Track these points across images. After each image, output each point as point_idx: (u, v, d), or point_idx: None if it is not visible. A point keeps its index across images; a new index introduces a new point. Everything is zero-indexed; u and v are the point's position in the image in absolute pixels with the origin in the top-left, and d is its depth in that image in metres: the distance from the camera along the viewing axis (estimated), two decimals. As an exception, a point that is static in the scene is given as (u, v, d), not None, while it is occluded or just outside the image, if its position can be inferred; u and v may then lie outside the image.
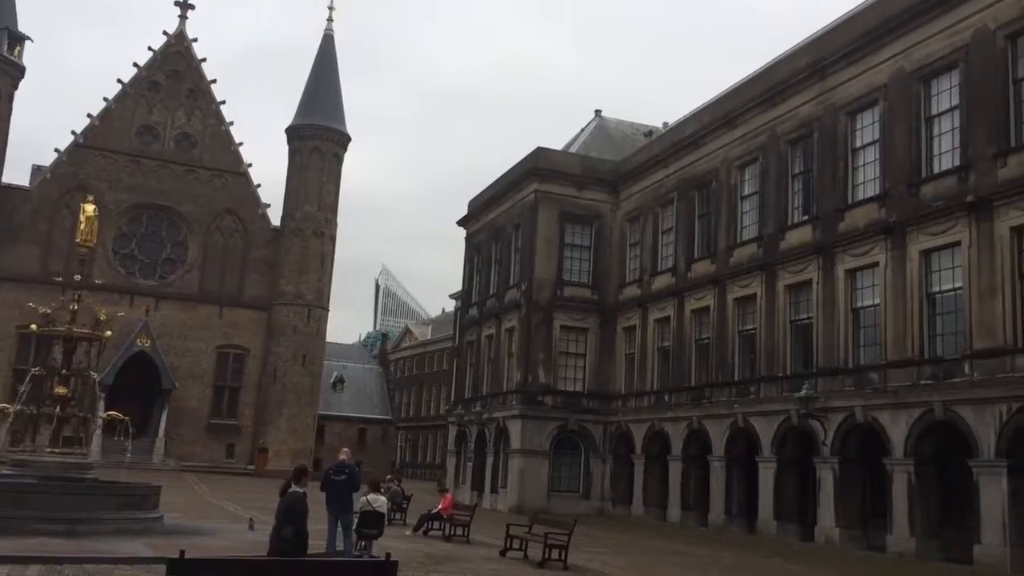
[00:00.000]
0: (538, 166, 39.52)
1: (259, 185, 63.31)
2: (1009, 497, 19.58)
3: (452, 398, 50.04)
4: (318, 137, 62.24)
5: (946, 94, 23.09)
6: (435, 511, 22.94)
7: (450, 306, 74.70)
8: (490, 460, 40.20)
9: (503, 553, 18.55)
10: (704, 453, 30.87)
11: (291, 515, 9.99)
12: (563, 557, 17.14)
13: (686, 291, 33.21)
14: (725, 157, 32.02)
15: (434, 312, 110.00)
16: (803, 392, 24.51)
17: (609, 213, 39.65)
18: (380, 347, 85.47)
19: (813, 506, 25.91)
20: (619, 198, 39.46)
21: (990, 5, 21.63)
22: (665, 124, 44.91)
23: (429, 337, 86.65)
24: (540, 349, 37.74)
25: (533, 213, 39.15)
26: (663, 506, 33.13)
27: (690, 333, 32.85)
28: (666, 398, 33.74)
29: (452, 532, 21.99)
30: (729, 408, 29.52)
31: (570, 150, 43.05)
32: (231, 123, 62.89)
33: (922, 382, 22.16)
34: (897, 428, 22.64)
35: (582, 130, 46.55)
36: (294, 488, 10.35)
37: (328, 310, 63.06)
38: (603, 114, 46.96)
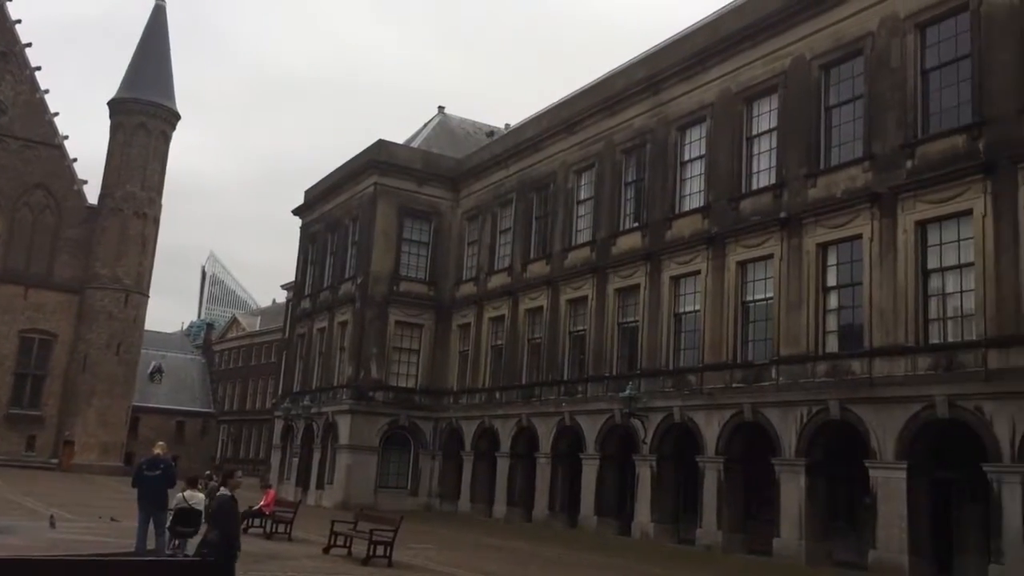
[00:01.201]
0: (379, 159, 39.07)
1: (75, 160, 59.09)
2: (806, 493, 21.18)
3: (280, 392, 48.62)
4: (144, 113, 58.85)
5: (766, 116, 24.69)
6: (256, 508, 22.19)
7: (281, 297, 72.55)
8: (317, 456, 39.37)
9: (326, 550, 18.20)
10: (532, 450, 31.54)
11: (217, 519, 9.68)
12: (388, 554, 17.01)
13: (521, 291, 33.80)
14: (564, 161, 32.84)
15: (264, 303, 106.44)
16: (627, 392, 25.52)
17: (449, 210, 39.76)
18: (204, 337, 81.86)
19: (631, 502, 27.05)
20: (459, 195, 39.64)
21: (806, 36, 23.32)
22: (507, 125, 45.54)
23: (258, 328, 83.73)
24: (374, 344, 37.32)
25: (372, 206, 38.67)
26: (490, 502, 33.59)
27: (523, 332, 33.47)
28: (498, 396, 34.21)
29: (274, 529, 21.37)
30: (557, 406, 30.30)
31: (412, 145, 42.84)
32: (46, 91, 58.33)
33: (734, 385, 23.59)
34: (710, 428, 23.99)
35: (425, 125, 46.43)
36: (222, 491, 10.03)
37: (148, 296, 59.78)
38: (446, 111, 47.05)
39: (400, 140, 43.24)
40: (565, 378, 30.71)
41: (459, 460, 35.99)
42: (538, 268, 33.38)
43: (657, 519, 25.64)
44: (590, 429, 28.57)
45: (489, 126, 46.62)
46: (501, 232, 36.56)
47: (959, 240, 19.03)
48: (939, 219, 19.42)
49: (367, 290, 37.69)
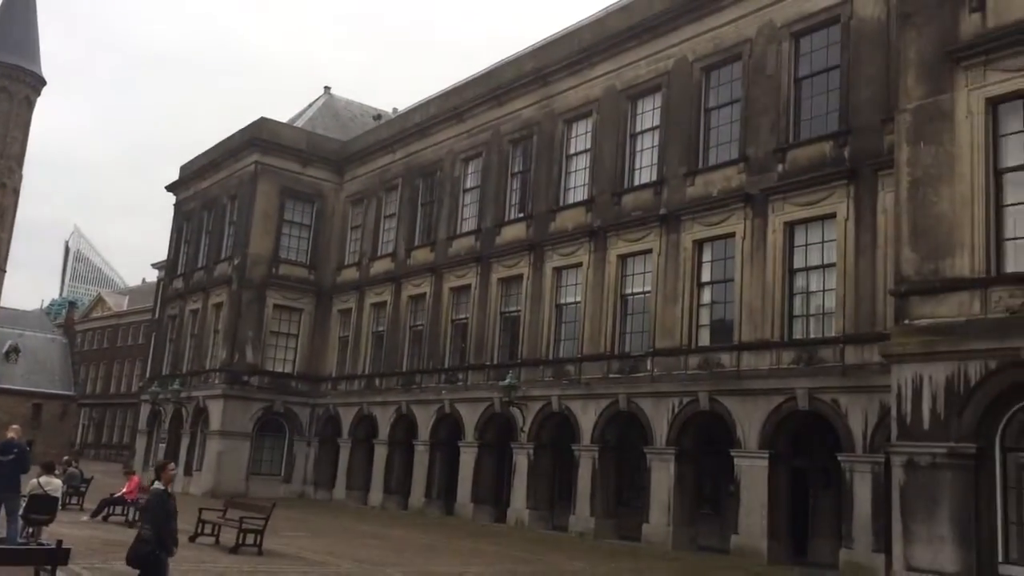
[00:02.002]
0: (260, 137, 37.94)
1: (-75, 122, 54.76)
2: (675, 481, 21.94)
3: (148, 374, 46.64)
4: (7, 76, 55.16)
5: (649, 114, 25.32)
6: (118, 495, 21.25)
7: (152, 276, 69.50)
8: (186, 441, 38.02)
9: (192, 539, 17.61)
10: (410, 438, 31.41)
11: (148, 513, 9.39)
12: (258, 542, 16.62)
13: (404, 277, 33.55)
14: (451, 149, 32.75)
15: (133, 282, 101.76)
16: (507, 381, 25.75)
17: (332, 193, 39.03)
18: (66, 316, 77.50)
19: (508, 489, 27.34)
20: (344, 179, 38.97)
21: (689, 39, 24.04)
22: (395, 110, 45.02)
23: (125, 308, 79.97)
24: (250, 327, 36.29)
25: (252, 185, 37.53)
26: (366, 489, 33.29)
27: (405, 319, 33.25)
28: (377, 382, 33.89)
29: (136, 518, 20.49)
30: (438, 394, 30.27)
31: (296, 125, 41.75)
32: None
33: (611, 376, 24.16)
34: (587, 417, 24.50)
35: (309, 105, 45.33)
36: (155, 485, 9.59)
37: (4, 271, 56.12)
38: (332, 92, 46.08)
39: (284, 119, 42.04)
40: (446, 366, 30.70)
41: (335, 447, 35.49)
42: (422, 255, 33.20)
43: (532, 506, 26.02)
44: (470, 417, 28.69)
45: (376, 109, 45.97)
46: (386, 217, 36.16)
47: (823, 241, 20.07)
48: (806, 221, 20.42)
49: (244, 272, 36.59)
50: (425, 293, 32.39)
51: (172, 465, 9.82)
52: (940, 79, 15.07)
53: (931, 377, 14.26)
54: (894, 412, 14.84)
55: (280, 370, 36.98)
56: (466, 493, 28.44)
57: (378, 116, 44.18)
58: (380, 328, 34.69)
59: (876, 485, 17.73)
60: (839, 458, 18.70)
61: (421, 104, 36.78)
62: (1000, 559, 13.27)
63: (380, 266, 35.47)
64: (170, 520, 9.26)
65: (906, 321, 14.93)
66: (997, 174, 14.27)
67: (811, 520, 21.58)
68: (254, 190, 37.37)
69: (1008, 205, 14.15)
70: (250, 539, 16.74)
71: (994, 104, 14.41)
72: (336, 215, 38.88)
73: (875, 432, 17.89)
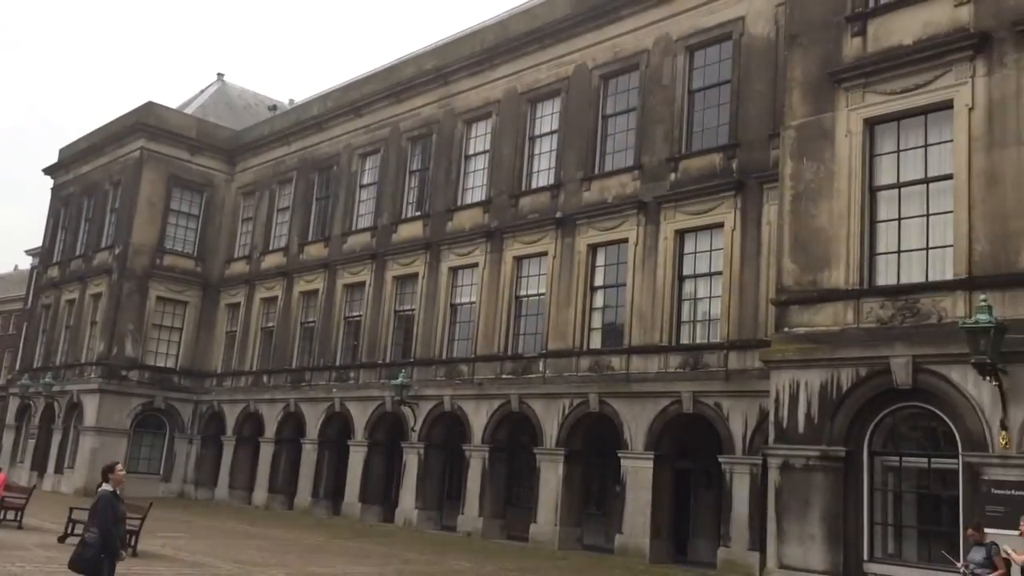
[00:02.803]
0: (147, 122, 36.48)
1: None
2: (563, 481, 22.24)
3: (18, 367, 44.13)
4: None
5: (548, 118, 25.60)
6: (-18, 494, 19.99)
7: (24, 263, 65.79)
8: (57, 437, 36.18)
9: (62, 539, 16.76)
10: (298, 436, 30.78)
11: (94, 516, 8.99)
12: (133, 543, 15.94)
13: (296, 272, 32.86)
14: (348, 144, 32.27)
15: (3, 268, 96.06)
16: (399, 380, 25.55)
17: (223, 183, 37.88)
18: (-73, 303, 72.45)
19: (397, 489, 27.14)
20: (235, 169, 37.88)
21: (589, 46, 24.42)
22: (291, 101, 44.09)
23: (-5, 296, 75.35)
24: (130, 320, 34.83)
25: (137, 172, 36.05)
26: (250, 489, 32.44)
27: (297, 315, 32.56)
28: (265, 379, 33.07)
29: (2, 517, 19.41)
30: (328, 392, 29.77)
31: (186, 111, 40.30)
32: None
33: (504, 376, 24.29)
34: (479, 417, 24.56)
35: (201, 92, 43.88)
36: (103, 487, 9.15)
37: None
38: (226, 79, 44.72)
39: (174, 105, 40.54)
40: (338, 364, 30.23)
41: (219, 445, 34.44)
42: (316, 250, 32.59)
43: (421, 506, 25.90)
44: (360, 416, 28.34)
45: (272, 99, 44.88)
46: (279, 211, 35.32)
47: (711, 250, 20.73)
48: (695, 229, 21.05)
49: (126, 262, 35.10)
50: (318, 289, 31.80)
51: (120, 466, 9.49)
52: (823, 99, 15.80)
53: (807, 383, 14.93)
54: (772, 416, 15.46)
55: (162, 365, 35.62)
56: (354, 493, 28.08)
57: (274, 107, 43.14)
58: (270, 324, 33.87)
59: (754, 486, 18.42)
60: (720, 460, 19.35)
61: (319, 96, 36.11)
62: (866, 557, 14.01)
63: (271, 260, 34.63)
64: (118, 523, 9.08)
65: (785, 329, 15.59)
66: (872, 191, 15.07)
67: (692, 520, 22.28)
68: (139, 177, 35.91)
69: (880, 221, 14.96)
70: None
71: (871, 125, 15.22)
72: (226, 206, 37.74)
73: (754, 435, 18.59)
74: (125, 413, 34.17)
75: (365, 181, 31.62)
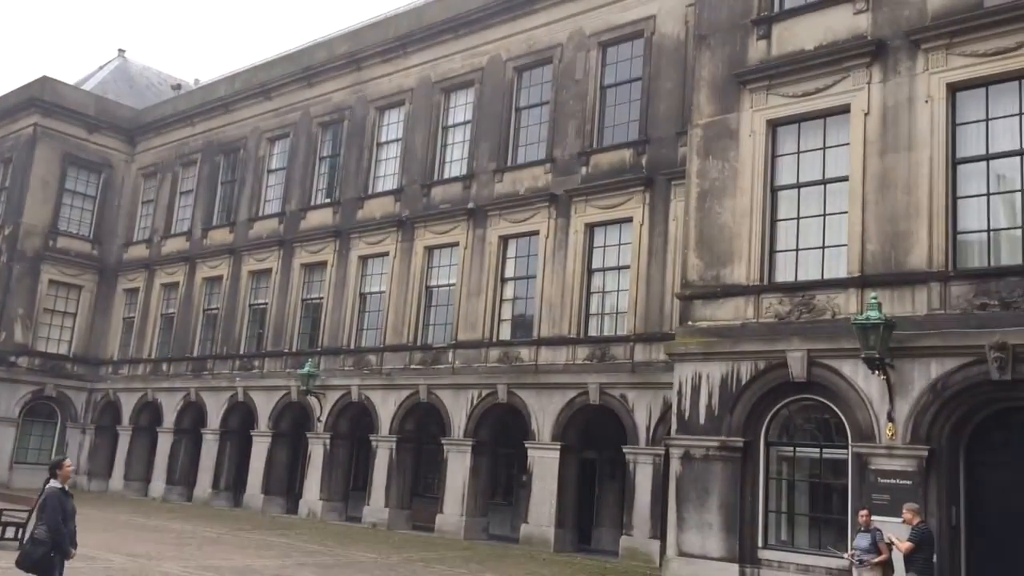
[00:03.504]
0: (41, 97, 34.76)
1: None
2: (470, 472, 22.30)
3: None
4: None
5: (462, 108, 25.52)
6: None
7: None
8: (-62, 428, 34.21)
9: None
10: (198, 426, 29.96)
11: (44, 513, 8.72)
12: (20, 536, 15.23)
13: (200, 258, 31.92)
14: (256, 127, 31.48)
15: None
16: (306, 369, 25.13)
17: (123, 164, 36.45)
18: None
19: (301, 480, 26.73)
20: (136, 149, 36.51)
21: (504, 38, 24.44)
22: (197, 81, 42.70)
23: None
24: (20, 304, 33.23)
25: (30, 149, 34.36)
26: (147, 480, 31.45)
27: (199, 302, 31.64)
28: (164, 367, 32.05)
29: None
30: (231, 381, 29.07)
31: (84, 88, 38.58)
32: None
33: (413, 366, 24.18)
34: (386, 407, 24.39)
35: (100, 68, 42.09)
36: (51, 483, 8.83)
37: None
38: (128, 55, 43.00)
39: (71, 81, 38.74)
40: (242, 352, 29.53)
41: (114, 435, 33.23)
42: (220, 235, 31.71)
43: (326, 497, 25.59)
44: (264, 405, 27.76)
45: (176, 78, 43.36)
46: (182, 194, 34.21)
47: (620, 244, 21.05)
48: (605, 223, 21.34)
49: (16, 243, 33.44)
50: (222, 276, 30.96)
51: (69, 462, 9.15)
52: (729, 99, 16.22)
53: (708, 375, 15.35)
54: (675, 408, 15.85)
55: (54, 351, 34.12)
56: (256, 484, 27.51)
57: (178, 86, 41.70)
58: (170, 310, 32.81)
59: (656, 476, 18.85)
60: (624, 450, 19.71)
61: (226, 77, 35.08)
62: (760, 544, 14.51)
63: (173, 245, 33.54)
64: (68, 520, 8.78)
65: (689, 323, 15.98)
66: (773, 190, 15.57)
67: (597, 509, 22.65)
68: (32, 155, 34.22)
69: (781, 220, 15.47)
70: (11, 533, 15.38)
71: (774, 126, 15.71)
72: (126, 188, 36.35)
73: (658, 426, 19.01)
74: (13, 401, 32.62)
75: (273, 166, 30.91)
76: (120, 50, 42.70)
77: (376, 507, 24.10)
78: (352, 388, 25.27)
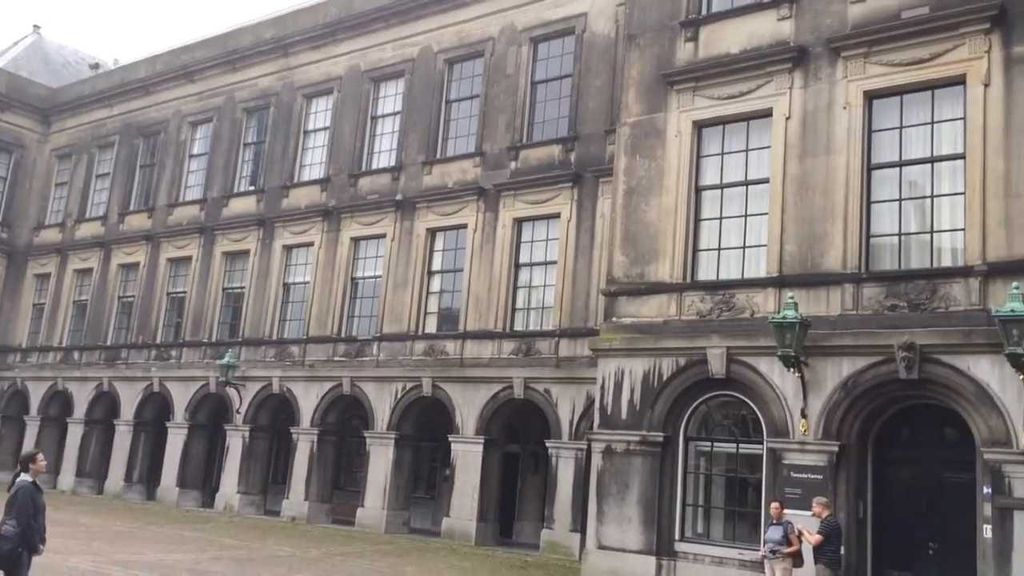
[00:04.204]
0: (-52, 71, 33.12)
1: None
2: (393, 465, 22.15)
3: None
4: None
5: (392, 99, 25.27)
6: None
7: None
8: None
9: None
10: (111, 417, 29.04)
11: (13, 508, 8.44)
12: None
13: (115, 243, 30.89)
14: (178, 110, 30.61)
15: None
16: (225, 359, 24.58)
17: (35, 144, 35.02)
18: None
19: (218, 473, 26.16)
20: (50, 130, 35.11)
21: (435, 29, 24.27)
22: (116, 61, 41.26)
23: None
24: (-80, 287, 31.64)
25: (-67, 125, 32.66)
26: (56, 472, 30.24)
27: (114, 289, 30.64)
28: (76, 356, 30.95)
29: None
30: (146, 371, 28.25)
31: (-5, 62, 36.89)
32: None
33: (336, 358, 23.88)
34: (308, 399, 24.03)
35: (14, 44, 40.29)
36: (22, 477, 8.56)
37: None
38: (43, 32, 41.27)
39: (-21, 54, 37.01)
40: (158, 341, 28.71)
41: (21, 425, 31.92)
42: (138, 221, 30.75)
43: (244, 491, 25.10)
44: (181, 396, 27.06)
45: (94, 57, 41.79)
46: (98, 177, 33.04)
47: (547, 239, 21.15)
48: (533, 219, 21.41)
49: (-82, 223, 31.84)
50: (139, 262, 30.03)
51: (41, 456, 8.84)
52: (656, 99, 16.45)
53: (631, 371, 15.55)
54: (598, 402, 16.01)
55: (-43, 338, 32.61)
56: (171, 477, 26.82)
57: (96, 65, 40.16)
58: (83, 297, 31.68)
59: (578, 470, 19.03)
60: (547, 444, 19.85)
61: (147, 58, 33.93)
62: (677, 537, 14.79)
63: (88, 229, 32.37)
64: (39, 515, 8.53)
65: (613, 319, 16.16)
66: (697, 191, 15.85)
67: (519, 503, 22.74)
68: (-64, 131, 32.60)
69: (704, 219, 15.77)
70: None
71: (699, 127, 15.99)
72: (38, 169, 34.93)
73: (580, 420, 19.19)
74: (-89, 390, 31.07)
75: (195, 151, 30.11)
76: (35, 26, 40.93)
77: (296, 501, 23.74)
78: (273, 380, 24.82)
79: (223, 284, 27.64)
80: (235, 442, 25.47)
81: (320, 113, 26.88)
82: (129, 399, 28.51)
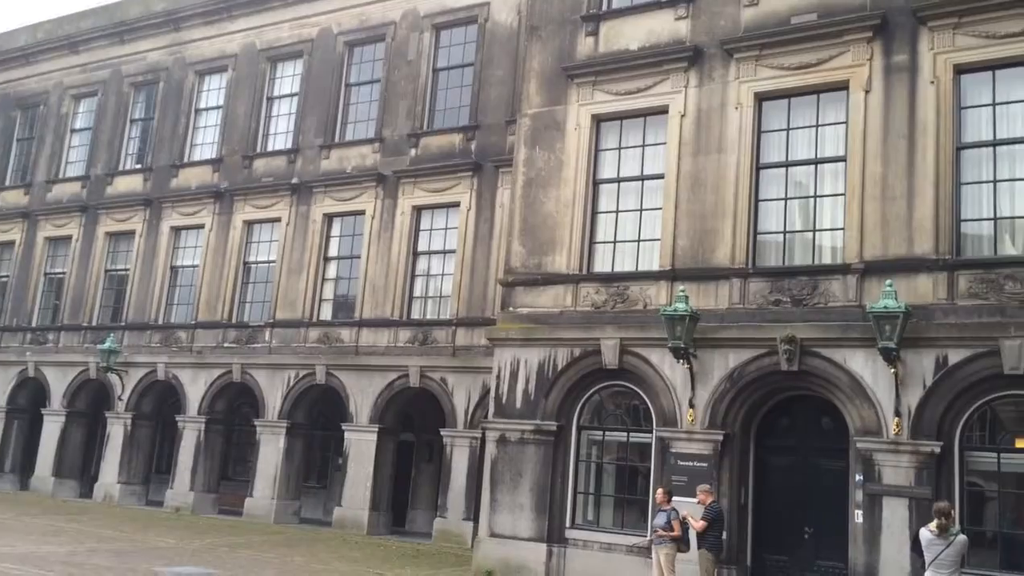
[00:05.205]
0: None
1: None
2: (284, 454, 21.73)
3: None
4: None
5: (289, 80, 24.65)
6: None
7: None
8: None
9: None
10: (-19, 404, 27.45)
11: None
12: None
13: (-12, 221, 29.14)
14: (60, 82, 29.06)
15: None
16: (107, 344, 23.57)
17: (-102, 111, 32.60)
18: None
19: (98, 462, 25.12)
20: (-85, 96, 32.75)
21: (335, 10, 23.77)
22: (-8, 26, 38.82)
23: None
24: None
25: None
26: (-83, 463, 28.46)
27: (-15, 268, 28.93)
28: (-58, 339, 29.07)
29: None
30: (20, 355, 26.83)
31: None
32: None
33: (226, 345, 23.22)
34: (196, 387, 23.30)
35: None
36: None
37: None
38: (-90, -10, 38.44)
39: None
40: (34, 324, 27.28)
41: None
42: (13, 197, 29.08)
43: (125, 480, 24.18)
44: (58, 382, 25.81)
45: (-32, 22, 39.25)
46: (-31, 149, 31.07)
47: (447, 228, 21.10)
48: (432, 207, 21.30)
49: None
50: (14, 241, 28.42)
51: None
52: (557, 91, 16.58)
53: (527, 361, 15.69)
54: (493, 391, 16.09)
55: None
56: (47, 466, 25.57)
57: (-31, 30, 37.75)
58: (-48, 276, 29.79)
59: (472, 459, 19.11)
60: (443, 433, 19.84)
61: (28, 26, 32.02)
62: (568, 524, 15.03)
63: (-42, 204, 30.44)
64: None
65: (510, 309, 16.26)
66: (595, 184, 16.07)
67: (412, 492, 22.68)
68: None
69: (601, 212, 16.01)
70: None
71: (598, 121, 16.20)
72: (-98, 138, 32.56)
73: (476, 409, 19.26)
74: None
75: (78, 125, 28.68)
76: (-101, -17, 38.12)
77: (180, 491, 23.02)
78: (159, 366, 23.96)
79: (106, 266, 26.46)
80: (116, 430, 24.48)
81: (213, 91, 26.00)
82: (1, 386, 27.01)
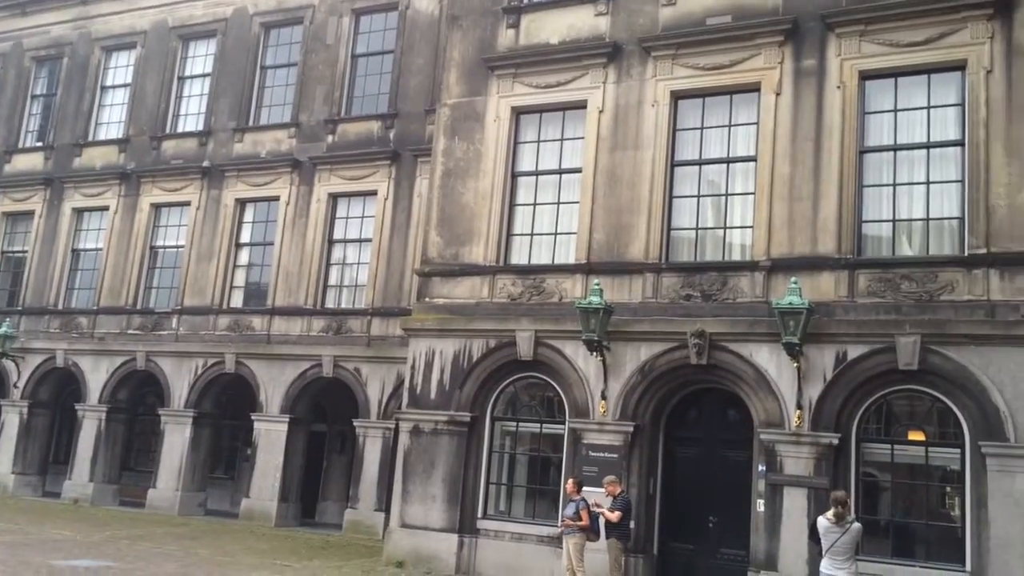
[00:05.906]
0: None
1: None
2: (190, 445, 21.17)
3: None
4: None
5: (201, 59, 23.93)
6: None
7: None
8: None
9: None
10: None
11: None
12: None
13: None
14: (-47, 52, 27.53)
15: None
16: (2, 329, 22.50)
17: None
18: None
19: (-9, 453, 24.00)
20: None
21: (254, -9, 23.21)
22: None
23: None
24: None
25: None
26: None
27: None
28: None
29: None
30: (-95, 340, 25.35)
31: None
32: None
33: (131, 331, 22.47)
34: (97, 375, 22.48)
35: None
36: None
37: None
38: None
39: None
40: (-79, 308, 25.84)
41: None
42: (-100, 172, 27.45)
43: (20, 471, 23.19)
44: (-53, 369, 24.51)
45: None
46: None
47: (363, 216, 20.84)
48: (349, 195, 21.02)
49: None
50: (-100, 219, 26.83)
51: None
52: (477, 82, 16.55)
53: (442, 351, 15.65)
54: (407, 382, 16.00)
55: None
56: (-66, 458, 24.29)
57: None
58: None
59: (385, 450, 18.99)
60: (355, 423, 19.64)
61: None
62: (480, 515, 15.07)
63: None
64: None
65: (427, 299, 16.18)
66: (513, 176, 16.11)
67: (323, 483, 22.39)
68: None
69: (519, 204, 16.06)
70: None
71: (518, 113, 16.24)
72: None
73: (390, 400, 19.13)
74: None
75: (-26, 99, 27.24)
76: None
77: (79, 482, 22.19)
78: (58, 352, 23.02)
79: (2, 247, 25.26)
80: (11, 419, 23.43)
81: (121, 68, 25.06)
82: None
